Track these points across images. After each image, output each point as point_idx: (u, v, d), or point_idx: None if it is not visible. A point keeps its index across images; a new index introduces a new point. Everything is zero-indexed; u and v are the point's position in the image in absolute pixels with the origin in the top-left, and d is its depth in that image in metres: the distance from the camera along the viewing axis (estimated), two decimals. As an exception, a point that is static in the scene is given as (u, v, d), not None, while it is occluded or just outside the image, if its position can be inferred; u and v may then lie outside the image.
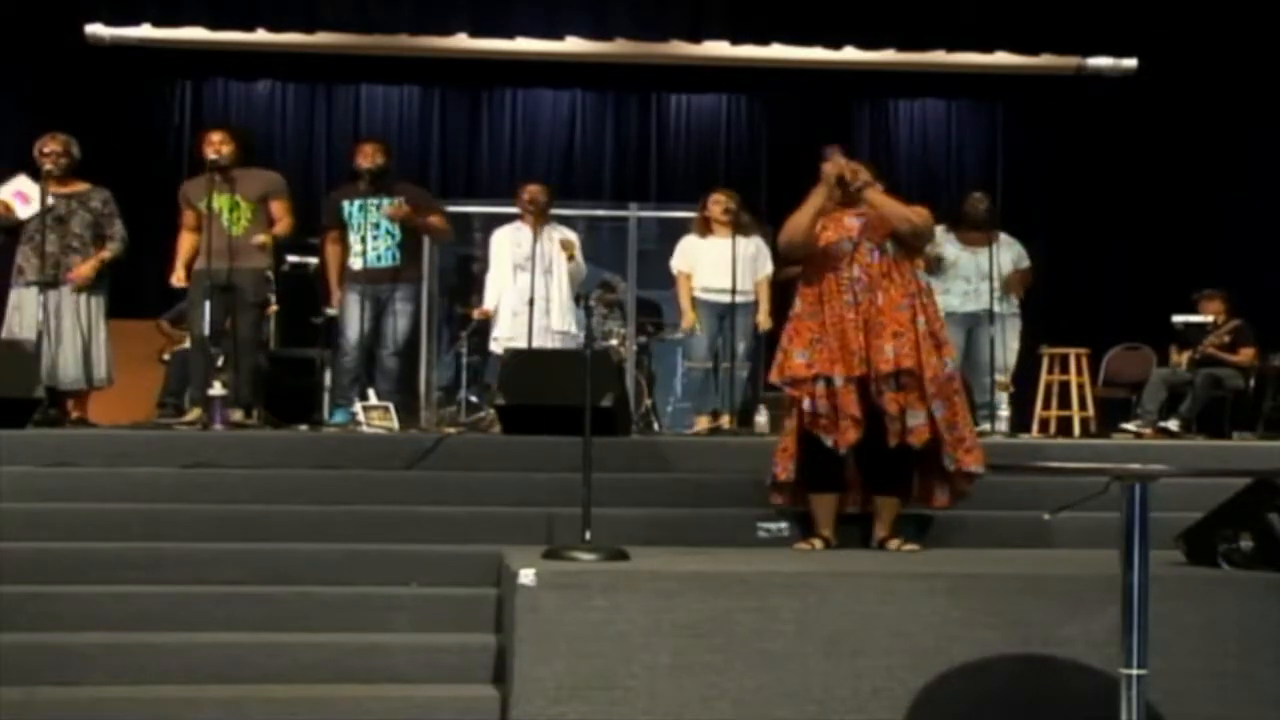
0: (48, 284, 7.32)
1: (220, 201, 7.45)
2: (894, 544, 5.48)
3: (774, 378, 5.60)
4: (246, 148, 7.79)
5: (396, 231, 7.78)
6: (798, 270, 5.82)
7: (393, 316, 7.77)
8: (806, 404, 5.42)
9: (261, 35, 10.71)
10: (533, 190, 8.39)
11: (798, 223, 5.53)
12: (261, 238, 7.49)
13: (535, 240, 8.16)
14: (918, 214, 5.58)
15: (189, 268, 7.55)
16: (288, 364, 8.98)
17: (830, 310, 5.42)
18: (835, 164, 5.57)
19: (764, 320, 8.35)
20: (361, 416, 7.30)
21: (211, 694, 4.62)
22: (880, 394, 5.33)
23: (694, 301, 8.40)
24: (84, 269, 7.43)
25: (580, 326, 8.24)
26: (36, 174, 7.46)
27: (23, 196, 7.39)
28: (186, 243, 7.59)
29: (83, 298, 7.42)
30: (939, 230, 8.21)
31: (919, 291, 5.50)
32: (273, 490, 5.90)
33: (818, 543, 5.48)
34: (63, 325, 7.36)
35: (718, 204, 8.42)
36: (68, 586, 5.13)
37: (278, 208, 7.61)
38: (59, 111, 9.25)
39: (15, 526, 5.42)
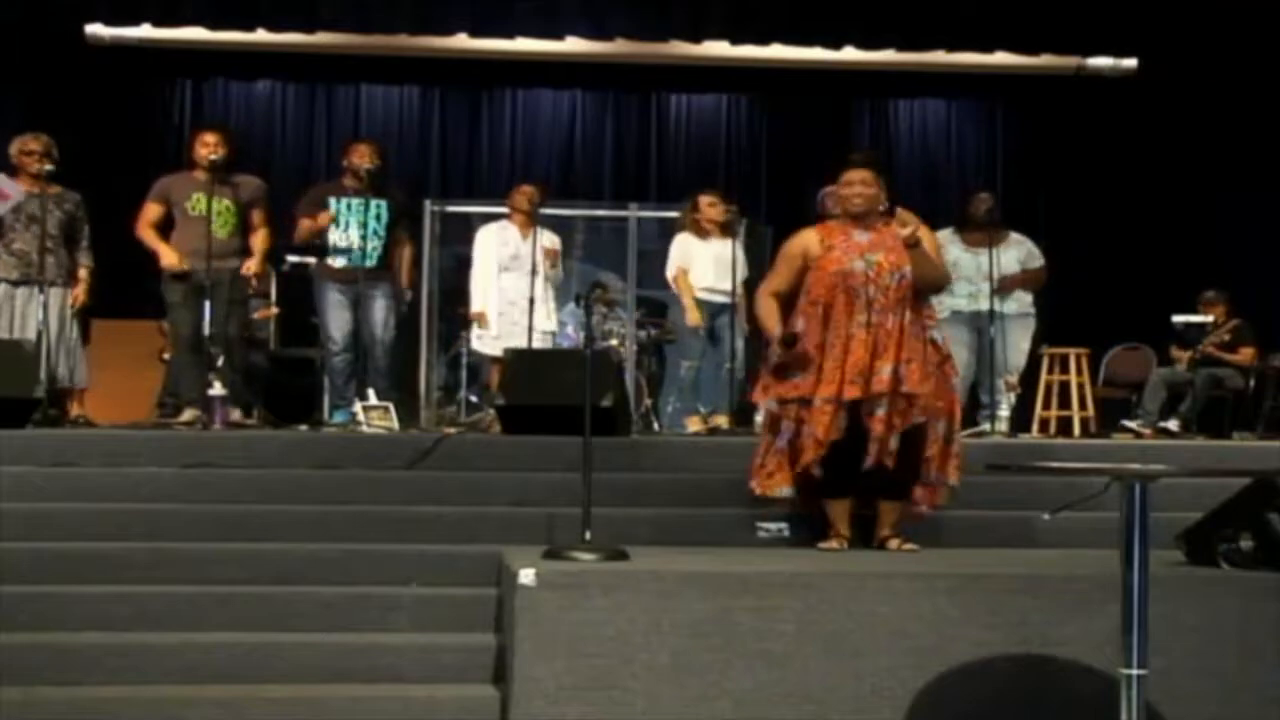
0: (19, 283, 7.33)
1: (218, 204, 7.45)
2: (894, 544, 5.48)
3: (760, 397, 5.58)
4: (236, 149, 7.80)
5: (384, 234, 7.80)
6: None
7: (376, 314, 7.78)
8: (785, 425, 5.44)
9: (261, 35, 10.70)
10: (531, 192, 8.41)
11: (762, 314, 5.64)
12: (254, 268, 7.59)
13: (532, 241, 8.18)
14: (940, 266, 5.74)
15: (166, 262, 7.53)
16: (288, 364, 8.98)
17: (836, 330, 5.37)
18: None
19: (747, 325, 8.38)
20: (361, 416, 7.30)
21: (211, 694, 4.62)
22: (871, 413, 5.32)
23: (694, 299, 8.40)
24: (80, 294, 7.48)
25: (565, 326, 8.29)
26: (14, 173, 7.46)
27: (3, 195, 7.39)
28: (154, 234, 7.51)
29: (52, 295, 7.38)
30: (944, 234, 8.21)
31: (933, 326, 5.54)
32: (273, 490, 5.90)
33: (844, 542, 5.48)
34: (28, 325, 7.33)
35: (713, 205, 8.42)
36: (68, 586, 5.14)
37: (258, 216, 7.66)
38: (59, 111, 9.27)
39: (15, 526, 5.42)
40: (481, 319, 8.42)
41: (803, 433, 5.39)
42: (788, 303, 5.64)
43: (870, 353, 5.33)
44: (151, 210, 7.55)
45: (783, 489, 5.51)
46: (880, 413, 5.31)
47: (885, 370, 5.31)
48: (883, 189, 5.58)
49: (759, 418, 8.35)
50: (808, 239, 5.60)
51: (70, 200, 7.55)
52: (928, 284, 5.55)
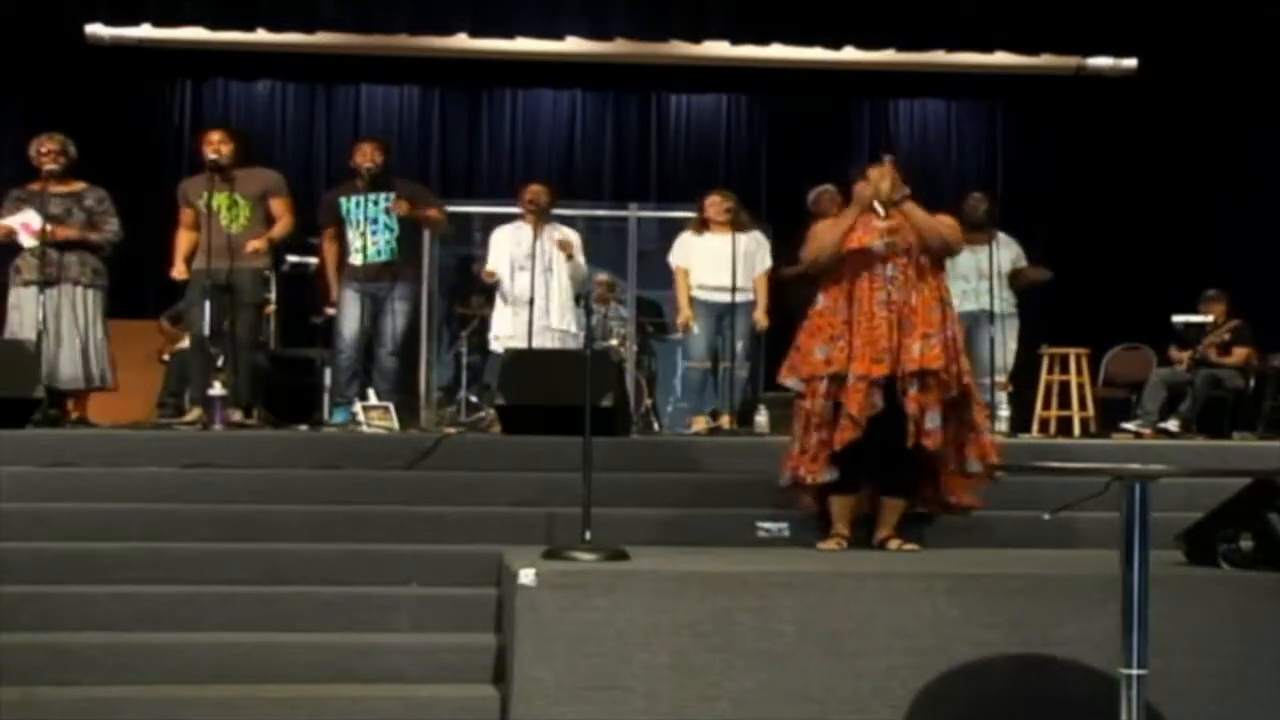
0: (46, 283, 7.33)
1: (219, 200, 7.46)
2: (894, 544, 5.48)
3: (786, 376, 5.54)
4: (244, 147, 7.80)
5: (395, 226, 7.80)
6: (799, 270, 5.75)
7: (390, 315, 7.78)
8: (809, 402, 5.42)
9: (261, 35, 10.71)
10: (534, 190, 8.40)
11: (828, 240, 5.53)
12: (255, 244, 7.47)
13: (535, 240, 8.18)
14: (949, 227, 5.59)
15: (188, 263, 7.56)
16: (288, 364, 8.98)
17: (860, 308, 5.40)
18: (872, 184, 5.53)
19: (761, 318, 8.33)
20: (361, 416, 7.30)
21: (211, 694, 4.62)
22: (904, 393, 5.32)
23: (690, 300, 8.40)
24: (68, 230, 7.38)
25: (580, 326, 8.25)
26: (35, 174, 7.46)
27: (29, 228, 7.38)
28: (185, 240, 7.61)
29: (79, 294, 7.41)
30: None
31: (947, 296, 5.54)
32: (273, 490, 5.90)
33: (843, 542, 5.48)
34: (61, 324, 7.35)
35: (715, 205, 8.42)
36: (68, 586, 5.14)
37: (278, 206, 7.62)
38: (59, 111, 9.26)
39: (15, 526, 5.42)
40: (492, 275, 8.36)
41: (838, 412, 5.35)
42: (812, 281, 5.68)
43: (894, 330, 5.34)
44: (183, 216, 7.63)
45: (829, 472, 5.43)
46: (913, 391, 5.32)
47: (915, 349, 5.32)
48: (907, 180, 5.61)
49: (760, 419, 8.41)
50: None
51: (92, 196, 7.55)
52: (931, 240, 5.48)
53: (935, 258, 5.55)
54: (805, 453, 5.48)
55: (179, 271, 7.58)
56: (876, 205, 5.52)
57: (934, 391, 5.34)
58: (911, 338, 5.34)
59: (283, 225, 7.64)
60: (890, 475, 5.48)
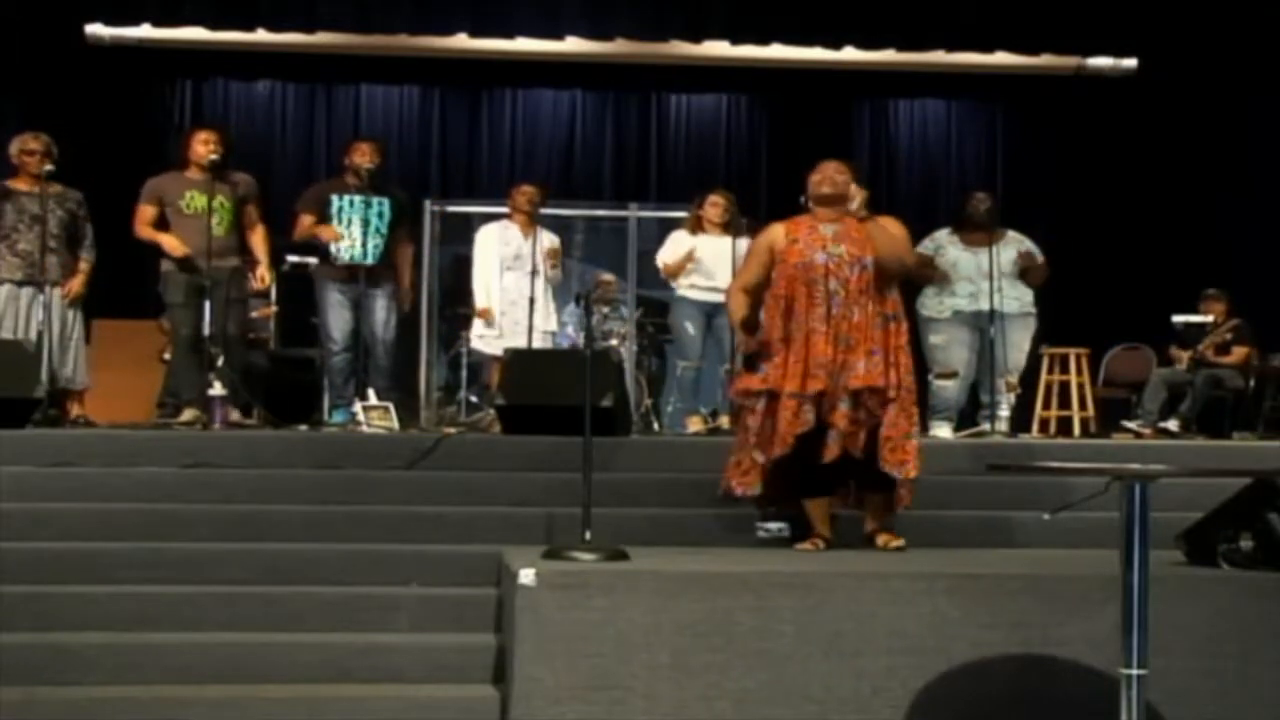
0: (23, 283, 7.33)
1: (213, 202, 7.45)
2: (881, 539, 5.45)
3: (733, 391, 5.56)
4: (231, 149, 7.82)
5: (386, 231, 7.83)
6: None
7: (378, 314, 7.80)
8: (749, 418, 5.43)
9: (261, 35, 10.71)
10: (531, 192, 8.43)
11: (732, 306, 5.70)
12: (265, 276, 7.66)
13: (532, 241, 8.20)
14: (904, 242, 5.51)
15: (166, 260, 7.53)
16: (288, 364, 8.98)
17: (798, 323, 5.36)
18: (826, 180, 5.54)
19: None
20: (361, 416, 7.30)
21: (211, 694, 4.62)
22: (833, 409, 5.29)
23: (683, 300, 8.40)
24: (75, 285, 7.45)
25: (566, 326, 8.31)
26: (14, 173, 7.45)
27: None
28: (153, 233, 7.50)
29: (55, 296, 7.40)
30: (943, 234, 8.22)
31: (895, 308, 5.45)
32: (272, 490, 5.90)
33: (820, 543, 5.48)
34: (32, 326, 7.31)
35: (715, 205, 8.43)
36: (68, 586, 5.14)
37: (254, 213, 7.68)
38: (58, 111, 9.27)
39: (15, 526, 5.42)
40: (487, 315, 8.40)
41: (767, 427, 5.37)
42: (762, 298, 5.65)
43: (834, 346, 5.30)
44: (146, 212, 7.55)
45: (756, 487, 5.46)
46: (843, 408, 5.28)
47: (860, 366, 5.27)
48: (860, 190, 5.54)
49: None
50: (774, 233, 5.60)
51: (72, 199, 7.56)
52: (890, 264, 5.41)
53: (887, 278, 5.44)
54: (739, 465, 5.48)
55: (179, 244, 7.39)
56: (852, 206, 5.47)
57: (873, 408, 5.29)
58: (855, 354, 5.29)
59: (263, 236, 7.70)
60: (864, 474, 5.42)
